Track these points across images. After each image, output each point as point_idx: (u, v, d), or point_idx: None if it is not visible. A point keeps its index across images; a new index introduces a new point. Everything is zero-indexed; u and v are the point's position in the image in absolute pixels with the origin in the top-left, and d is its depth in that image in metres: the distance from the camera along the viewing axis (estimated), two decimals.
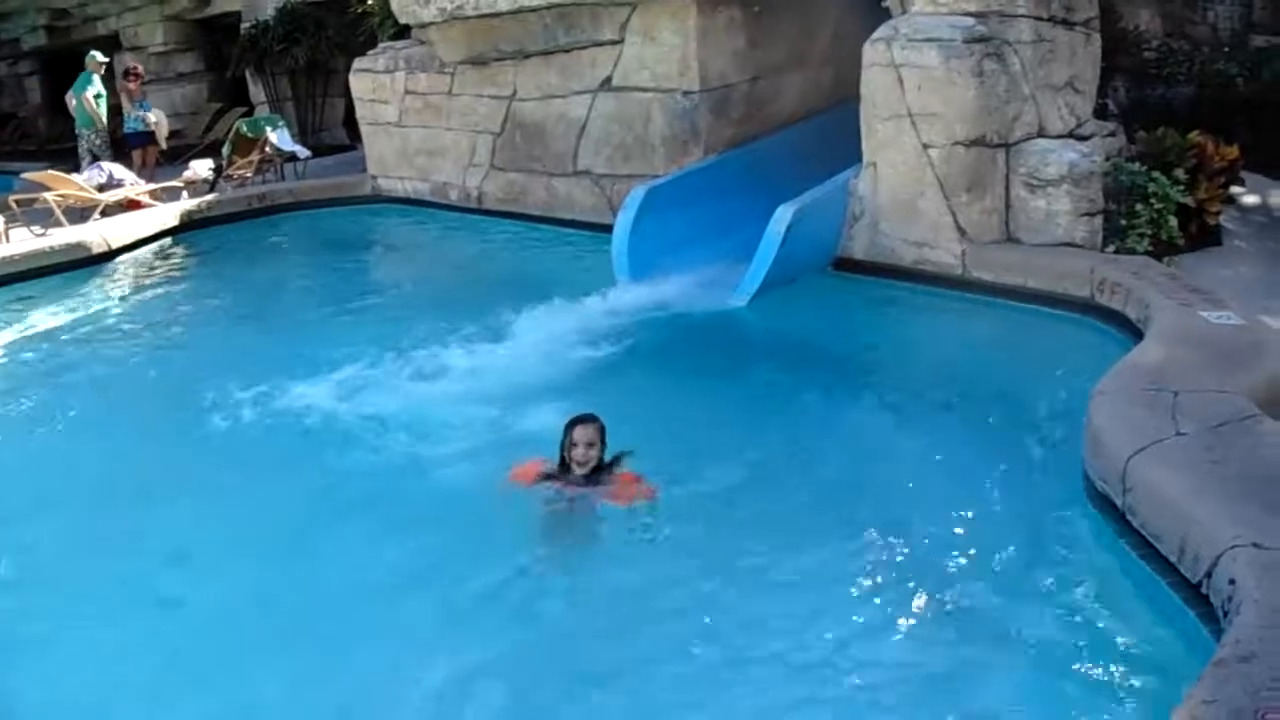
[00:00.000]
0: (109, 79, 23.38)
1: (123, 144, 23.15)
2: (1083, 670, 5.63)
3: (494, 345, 11.13)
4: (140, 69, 23.51)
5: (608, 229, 14.23)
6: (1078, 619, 6.03)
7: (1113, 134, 12.71)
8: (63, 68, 36.18)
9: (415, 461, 8.64)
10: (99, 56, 23.35)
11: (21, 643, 6.70)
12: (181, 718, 5.92)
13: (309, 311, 13.75)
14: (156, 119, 22.80)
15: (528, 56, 16.75)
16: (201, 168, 21.65)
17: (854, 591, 6.52)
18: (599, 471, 7.65)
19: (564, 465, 7.71)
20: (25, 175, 20.62)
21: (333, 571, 7.17)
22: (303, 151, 22.41)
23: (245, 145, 21.87)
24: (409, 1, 17.46)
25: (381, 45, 20.24)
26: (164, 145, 22.81)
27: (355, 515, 7.89)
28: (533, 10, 15.80)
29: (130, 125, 22.77)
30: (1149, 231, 11.42)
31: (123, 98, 23.05)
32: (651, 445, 8.62)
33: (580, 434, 7.63)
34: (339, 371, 10.57)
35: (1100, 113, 13.02)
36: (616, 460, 7.77)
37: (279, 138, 21.93)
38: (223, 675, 6.13)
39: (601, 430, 7.68)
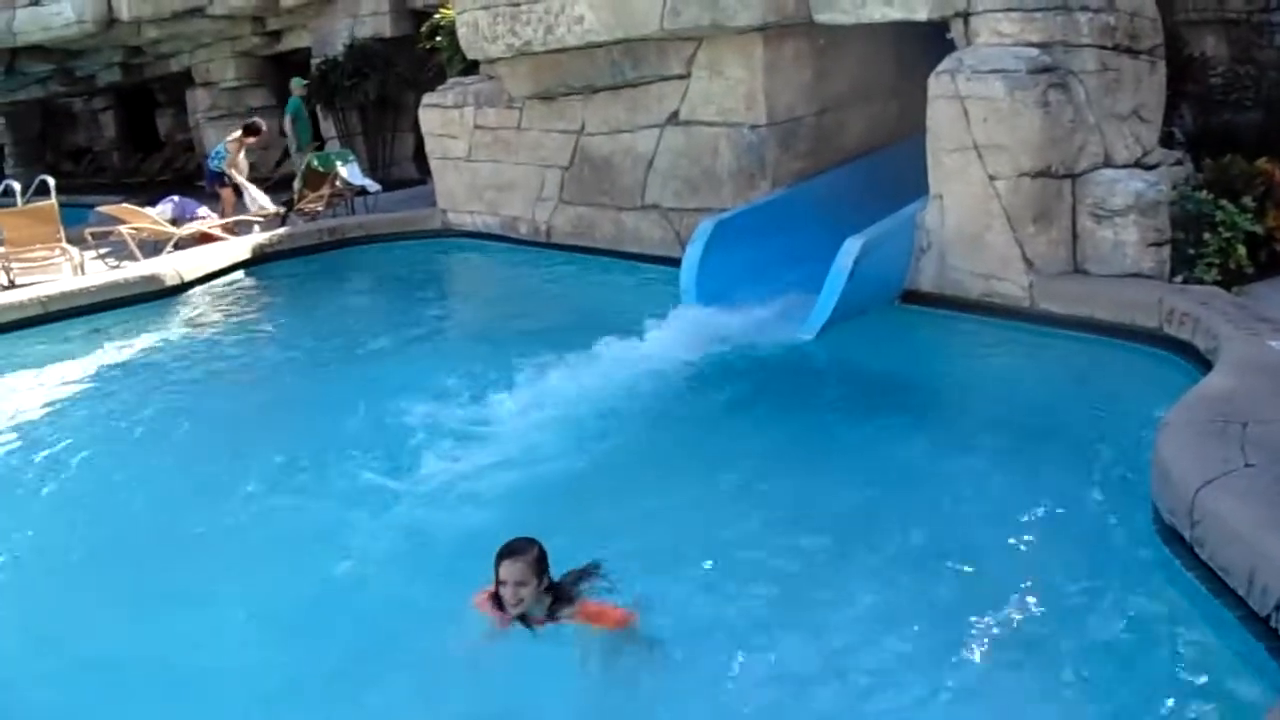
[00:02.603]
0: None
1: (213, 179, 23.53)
2: (1150, 702, 5.64)
3: (559, 381, 11.17)
4: (262, 130, 23.74)
5: (676, 262, 14.31)
6: (1145, 652, 6.07)
7: (1179, 162, 12.68)
8: (136, 103, 36.67)
9: (480, 505, 8.64)
10: (302, 81, 24.81)
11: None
12: None
13: (378, 345, 13.84)
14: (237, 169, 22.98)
15: (596, 91, 16.88)
16: (260, 197, 21.91)
17: (919, 626, 6.53)
18: (555, 601, 6.31)
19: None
20: (100, 208, 20.88)
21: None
22: (373, 185, 22.57)
23: (316, 179, 22.04)
24: (477, 38, 17.56)
25: (450, 81, 20.44)
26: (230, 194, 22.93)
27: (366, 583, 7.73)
28: (600, 46, 15.90)
29: (213, 164, 23.07)
30: (1217, 260, 11.38)
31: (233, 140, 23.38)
32: (714, 485, 8.77)
33: (506, 571, 6.15)
34: (404, 407, 10.66)
35: (1166, 141, 12.99)
36: (574, 584, 6.48)
37: (349, 172, 22.10)
38: None
39: (536, 562, 6.21)
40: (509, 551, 6.21)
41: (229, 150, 22.63)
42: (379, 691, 6.38)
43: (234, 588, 7.72)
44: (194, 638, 7.10)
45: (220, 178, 22.65)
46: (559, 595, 6.33)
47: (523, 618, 6.24)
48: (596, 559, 6.69)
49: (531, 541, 6.29)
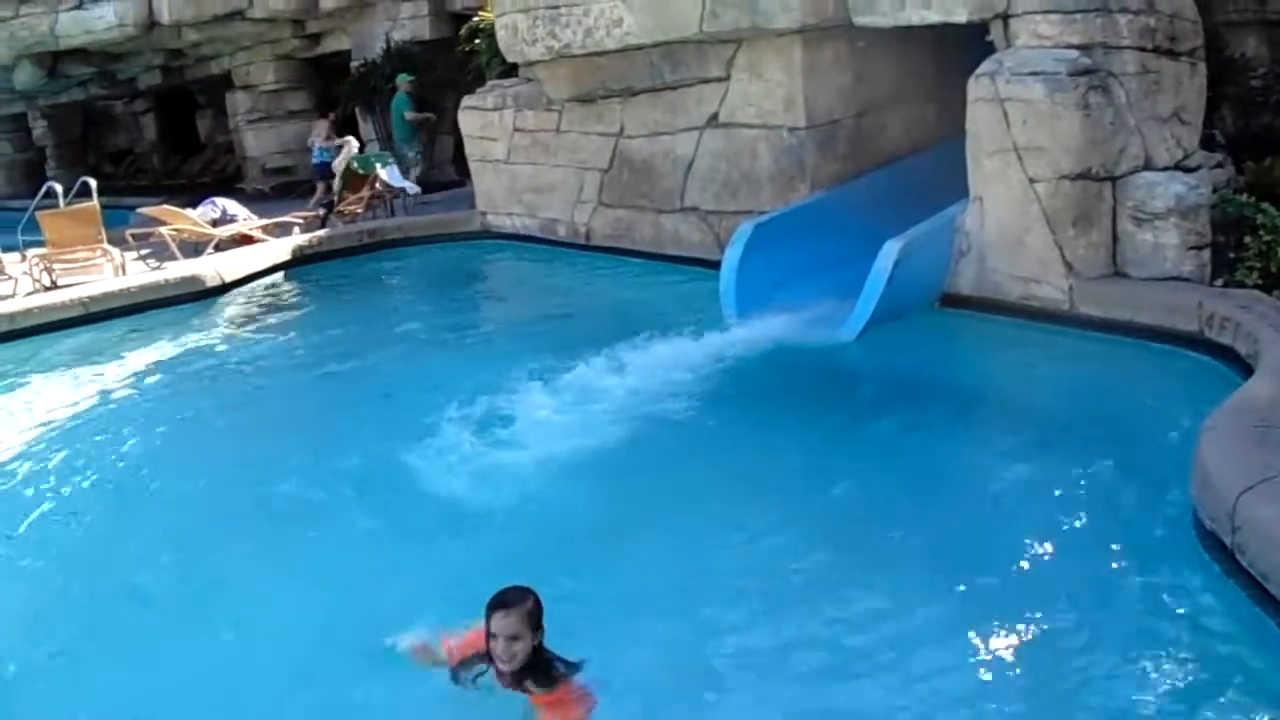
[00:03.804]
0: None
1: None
2: (1187, 709, 5.64)
3: (596, 383, 11.23)
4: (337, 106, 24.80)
5: (715, 265, 14.30)
6: (1184, 659, 6.05)
7: (1220, 165, 12.64)
8: (176, 105, 36.87)
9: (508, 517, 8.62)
10: (408, 76, 24.92)
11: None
12: None
13: (416, 347, 13.95)
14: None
15: (635, 94, 16.90)
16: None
17: (957, 637, 6.51)
18: (532, 669, 5.67)
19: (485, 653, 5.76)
20: (141, 210, 21.08)
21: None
22: (412, 188, 22.72)
23: (356, 181, 22.22)
24: (516, 40, 17.60)
25: (489, 83, 20.47)
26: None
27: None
28: (639, 48, 15.91)
29: (317, 156, 23.57)
30: (1258, 264, 11.31)
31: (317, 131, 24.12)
32: (751, 490, 8.86)
33: (500, 624, 5.58)
34: (439, 408, 10.75)
35: (1207, 143, 12.94)
36: (561, 663, 5.83)
37: (389, 174, 22.27)
38: None
39: (531, 615, 5.63)
40: (502, 603, 5.62)
41: (319, 139, 24.13)
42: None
43: (253, 587, 7.89)
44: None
45: (326, 167, 23.68)
46: (540, 664, 5.70)
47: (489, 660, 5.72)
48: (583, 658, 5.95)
49: (526, 591, 5.70)
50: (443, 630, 6.22)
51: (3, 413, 12.38)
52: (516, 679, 5.66)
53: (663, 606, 7.12)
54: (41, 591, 8.21)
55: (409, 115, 24.62)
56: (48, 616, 7.80)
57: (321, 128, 24.43)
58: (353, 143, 23.72)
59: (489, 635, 5.60)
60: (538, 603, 5.68)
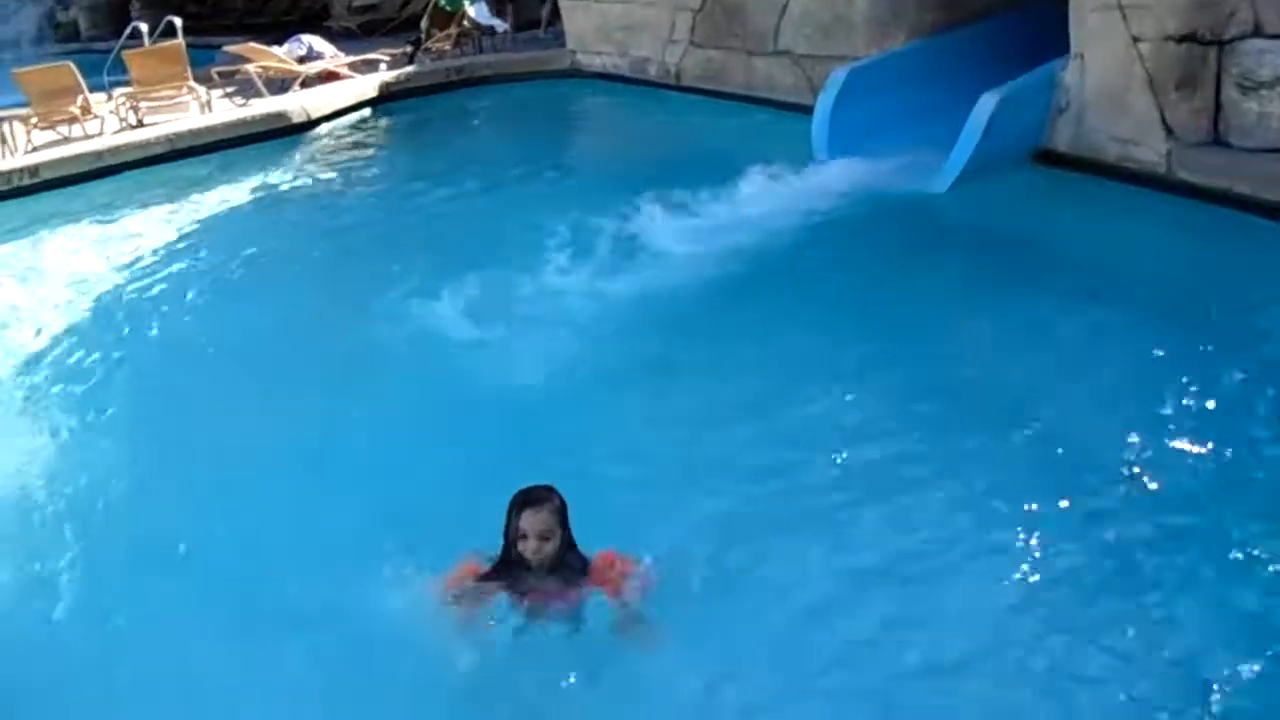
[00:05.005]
0: None
1: None
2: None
3: (680, 224, 11.35)
4: None
5: (807, 109, 14.22)
6: (1274, 542, 5.89)
7: None
8: None
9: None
10: None
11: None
12: None
13: (503, 182, 14.10)
14: None
15: None
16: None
17: (1040, 513, 6.37)
18: (561, 566, 5.59)
19: (508, 561, 5.62)
20: (227, 48, 21.24)
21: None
22: (500, 25, 22.61)
23: (443, 19, 22.16)
24: None
25: None
26: None
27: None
28: None
29: None
30: None
31: None
32: (833, 334, 8.95)
33: (530, 522, 5.46)
34: (524, 250, 10.95)
35: None
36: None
37: (477, 11, 22.17)
38: None
39: (560, 511, 5.55)
40: (531, 500, 5.53)
41: None
42: None
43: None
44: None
45: None
46: (572, 554, 5.63)
47: (511, 569, 5.60)
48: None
49: (551, 489, 5.59)
50: (430, 575, 5.86)
51: (90, 247, 12.61)
52: (554, 574, 5.56)
53: (724, 455, 7.22)
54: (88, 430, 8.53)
55: None
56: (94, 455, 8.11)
57: None
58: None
59: (518, 535, 5.48)
60: (563, 500, 5.59)
